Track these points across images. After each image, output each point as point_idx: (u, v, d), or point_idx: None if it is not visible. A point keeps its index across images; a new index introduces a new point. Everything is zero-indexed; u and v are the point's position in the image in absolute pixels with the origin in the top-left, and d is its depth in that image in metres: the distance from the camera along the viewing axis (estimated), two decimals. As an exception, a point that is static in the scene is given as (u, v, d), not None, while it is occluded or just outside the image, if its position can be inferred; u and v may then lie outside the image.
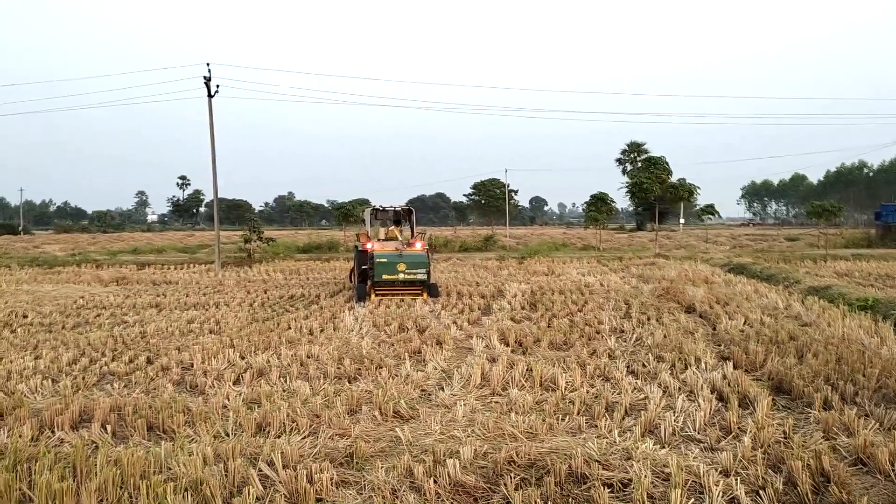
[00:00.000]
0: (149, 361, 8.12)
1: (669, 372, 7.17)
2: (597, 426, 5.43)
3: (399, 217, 15.59)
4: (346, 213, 36.58)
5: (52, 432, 5.43)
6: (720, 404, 6.00)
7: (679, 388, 6.56)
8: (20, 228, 76.05)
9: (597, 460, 4.54)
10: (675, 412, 5.70)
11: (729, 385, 6.49)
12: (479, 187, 79.18)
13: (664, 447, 4.98)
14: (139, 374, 7.38)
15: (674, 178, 33.14)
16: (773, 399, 6.10)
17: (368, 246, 13.78)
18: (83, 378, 7.17)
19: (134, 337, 9.70)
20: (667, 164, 32.87)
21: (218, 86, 23.69)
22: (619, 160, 73.52)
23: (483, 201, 79.35)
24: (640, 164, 62.59)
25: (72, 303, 13.64)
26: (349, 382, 7.05)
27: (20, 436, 5.20)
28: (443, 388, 6.72)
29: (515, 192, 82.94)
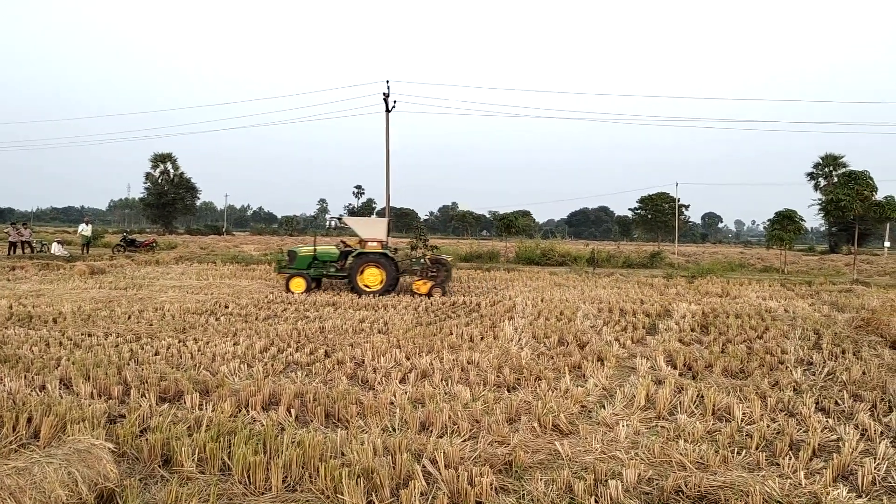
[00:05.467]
0: (326, 355, 8.84)
1: (869, 413, 6.32)
2: (778, 464, 4.95)
3: None
4: (507, 224, 36.90)
5: (247, 411, 6.12)
6: (935, 457, 5.17)
7: (881, 433, 5.76)
8: (224, 230, 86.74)
9: (778, 501, 4.15)
10: (875, 458, 5.02)
11: (948, 436, 5.57)
12: (647, 201, 75.73)
13: (861, 496, 4.41)
14: (318, 366, 8.06)
15: (879, 196, 28.87)
16: None
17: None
18: (272, 365, 8.00)
19: (314, 331, 10.62)
20: (870, 179, 28.77)
21: (395, 101, 25.24)
22: (810, 174, 66.43)
23: (650, 216, 75.78)
24: (836, 179, 56.05)
25: (263, 297, 15.27)
26: (508, 391, 7.11)
27: (222, 411, 5.94)
28: (604, 406, 6.53)
29: (686, 206, 78.07)
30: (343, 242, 18.73)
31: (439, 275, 16.91)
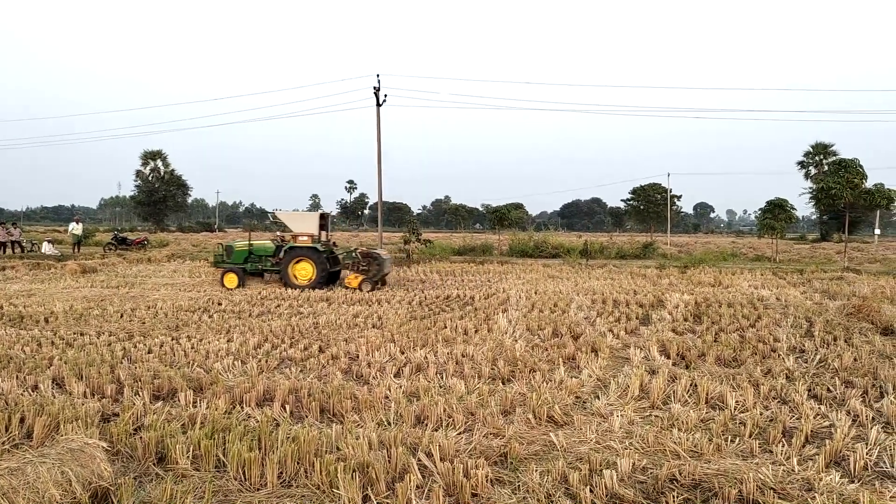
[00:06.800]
0: (320, 350, 8.83)
1: (861, 399, 6.37)
2: (772, 451, 4.98)
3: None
4: (500, 217, 36.88)
5: (242, 407, 6.10)
6: (926, 441, 5.22)
7: (873, 419, 5.82)
8: (216, 226, 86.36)
9: (772, 488, 4.18)
10: (867, 444, 5.06)
11: (938, 420, 5.62)
12: (639, 192, 75.94)
13: (853, 481, 4.44)
14: (312, 361, 8.04)
15: (869, 183, 29.03)
16: None
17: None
18: (266, 361, 7.98)
19: (308, 327, 10.60)
20: (860, 167, 28.90)
21: (386, 95, 25.16)
22: (801, 163, 66.82)
23: (642, 207, 76.00)
24: (827, 168, 56.36)
25: (256, 293, 15.22)
26: (503, 384, 7.12)
27: (216, 408, 5.92)
28: (598, 397, 6.56)
29: (678, 197, 78.29)
30: (280, 237, 18.81)
31: (370, 269, 16.97)
